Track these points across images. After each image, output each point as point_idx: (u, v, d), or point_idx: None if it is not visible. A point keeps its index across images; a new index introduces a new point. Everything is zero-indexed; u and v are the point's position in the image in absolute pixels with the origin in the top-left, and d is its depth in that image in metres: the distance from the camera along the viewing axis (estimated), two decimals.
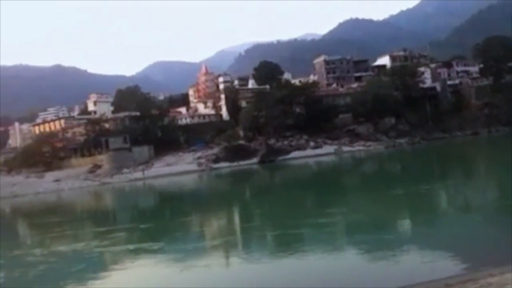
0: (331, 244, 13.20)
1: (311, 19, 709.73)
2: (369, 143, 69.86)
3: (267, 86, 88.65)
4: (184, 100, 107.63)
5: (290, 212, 19.74)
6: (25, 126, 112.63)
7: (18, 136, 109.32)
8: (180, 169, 61.83)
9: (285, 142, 69.54)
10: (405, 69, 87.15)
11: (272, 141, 68.78)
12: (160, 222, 21.67)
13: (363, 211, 18.50)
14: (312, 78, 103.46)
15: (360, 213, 17.97)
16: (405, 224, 15.96)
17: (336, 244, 13.17)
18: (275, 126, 72.46)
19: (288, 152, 65.74)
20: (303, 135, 71.79)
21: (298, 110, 78.38)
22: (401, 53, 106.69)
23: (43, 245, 19.24)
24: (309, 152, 65.14)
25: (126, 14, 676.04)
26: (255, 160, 62.61)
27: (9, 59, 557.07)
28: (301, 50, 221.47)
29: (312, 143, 69.35)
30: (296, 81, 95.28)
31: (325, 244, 13.11)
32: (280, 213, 20.38)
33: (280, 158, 63.14)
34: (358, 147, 68.21)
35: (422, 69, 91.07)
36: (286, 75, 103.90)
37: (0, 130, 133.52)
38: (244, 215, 22.20)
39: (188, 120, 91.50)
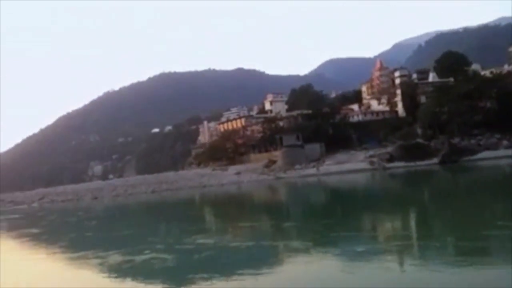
0: None
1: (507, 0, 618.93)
2: None
3: (451, 79, 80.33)
4: (356, 97, 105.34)
5: (474, 220, 16.90)
6: (212, 124, 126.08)
7: (206, 133, 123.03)
8: (351, 167, 60.36)
9: (472, 141, 61.62)
10: None
11: (456, 139, 61.71)
12: (330, 220, 20.95)
13: None
14: (506, 68, 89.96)
15: None
16: None
17: None
18: (460, 123, 64.84)
19: (475, 152, 57.97)
20: (494, 133, 62.60)
21: (488, 105, 68.77)
22: None
23: (216, 232, 20.52)
24: (502, 152, 56.27)
25: (299, 15, 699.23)
26: (435, 160, 57.00)
27: (200, 65, 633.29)
28: (493, 37, 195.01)
29: (505, 142, 59.92)
30: (486, 72, 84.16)
31: None
32: (461, 220, 17.64)
33: (465, 158, 56.12)
34: None
35: None
36: (474, 66, 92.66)
37: (193, 128, 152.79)
38: (419, 220, 19.94)
39: (360, 117, 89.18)
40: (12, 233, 28.31)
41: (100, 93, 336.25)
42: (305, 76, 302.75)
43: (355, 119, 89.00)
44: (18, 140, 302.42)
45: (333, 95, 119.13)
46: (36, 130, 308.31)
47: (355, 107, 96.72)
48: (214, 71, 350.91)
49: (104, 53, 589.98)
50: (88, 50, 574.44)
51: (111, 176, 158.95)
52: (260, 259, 13.43)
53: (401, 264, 11.44)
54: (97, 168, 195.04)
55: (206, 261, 13.46)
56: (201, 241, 16.84)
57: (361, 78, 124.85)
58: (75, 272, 13.95)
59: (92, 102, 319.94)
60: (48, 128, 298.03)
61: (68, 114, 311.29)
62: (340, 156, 69.22)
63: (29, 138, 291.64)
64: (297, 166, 67.93)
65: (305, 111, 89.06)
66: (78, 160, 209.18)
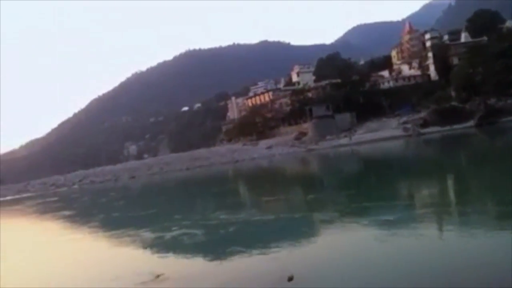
0: None
1: None
2: None
3: (484, 38, 77.05)
4: (386, 63, 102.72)
5: None
6: (240, 100, 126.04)
7: (235, 109, 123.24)
8: (384, 135, 59.56)
9: (509, 101, 59.34)
10: None
11: (492, 100, 59.60)
12: (363, 190, 20.86)
13: None
14: None
15: None
16: None
17: None
18: (495, 84, 62.43)
19: None
20: None
21: None
22: None
23: (246, 206, 20.74)
24: None
25: None
26: (471, 123, 55.41)
27: (224, 41, 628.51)
28: None
29: None
30: None
31: None
32: (500, 184, 16.98)
33: (503, 119, 54.27)
34: None
35: None
36: (509, 23, 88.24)
37: (221, 105, 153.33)
38: (455, 186, 19.42)
39: (391, 84, 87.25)
40: (46, 215, 29.56)
41: (129, 75, 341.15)
42: (332, 44, 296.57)
43: (385, 85, 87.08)
44: (54, 125, 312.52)
45: (361, 62, 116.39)
46: (70, 114, 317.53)
47: (385, 73, 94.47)
48: (239, 45, 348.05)
49: (129, 34, 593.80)
50: (113, 33, 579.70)
51: (146, 155, 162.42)
52: (293, 231, 13.39)
53: (436, 230, 11.33)
54: (132, 148, 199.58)
55: (238, 235, 13.58)
56: (231, 215, 16.97)
57: (390, 43, 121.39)
58: (111, 250, 14.37)
59: (121, 84, 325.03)
60: (81, 111, 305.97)
61: (99, 97, 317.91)
62: (372, 124, 68.34)
63: (64, 123, 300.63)
64: (328, 137, 67.59)
65: (333, 81, 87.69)
66: (112, 141, 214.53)
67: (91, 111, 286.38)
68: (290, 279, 7.77)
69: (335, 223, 13.53)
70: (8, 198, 61.21)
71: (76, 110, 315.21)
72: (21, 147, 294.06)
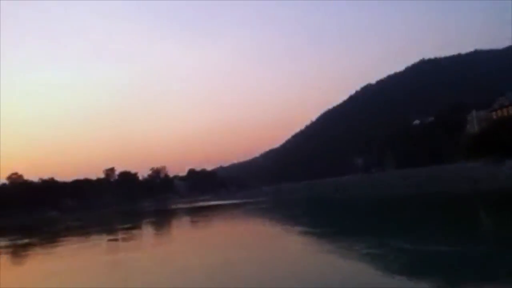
0: None
1: None
2: None
3: None
4: None
5: None
6: (481, 112, 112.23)
7: (475, 122, 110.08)
8: None
9: None
10: None
11: None
12: None
13: None
14: None
15: None
16: None
17: None
18: None
19: None
20: None
21: None
22: None
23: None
24: None
25: None
26: None
27: (465, 47, 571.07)
28: None
29: None
30: None
31: None
32: None
33: None
34: None
35: None
36: None
37: (457, 118, 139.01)
38: None
39: None
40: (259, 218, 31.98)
41: (358, 88, 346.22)
42: None
43: None
44: (288, 136, 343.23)
45: None
46: (302, 127, 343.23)
47: None
48: (481, 52, 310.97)
49: (365, 47, 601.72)
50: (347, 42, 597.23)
51: (373, 169, 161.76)
52: None
53: None
54: (359, 161, 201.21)
55: (474, 267, 12.14)
56: (471, 243, 14.98)
57: None
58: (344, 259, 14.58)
59: (351, 96, 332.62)
60: (312, 124, 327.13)
61: (329, 110, 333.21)
62: None
63: (297, 134, 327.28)
64: None
65: None
66: (341, 153, 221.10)
67: (321, 123, 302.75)
68: None
69: None
70: (239, 201, 69.74)
71: (308, 123, 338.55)
72: (261, 156, 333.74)
